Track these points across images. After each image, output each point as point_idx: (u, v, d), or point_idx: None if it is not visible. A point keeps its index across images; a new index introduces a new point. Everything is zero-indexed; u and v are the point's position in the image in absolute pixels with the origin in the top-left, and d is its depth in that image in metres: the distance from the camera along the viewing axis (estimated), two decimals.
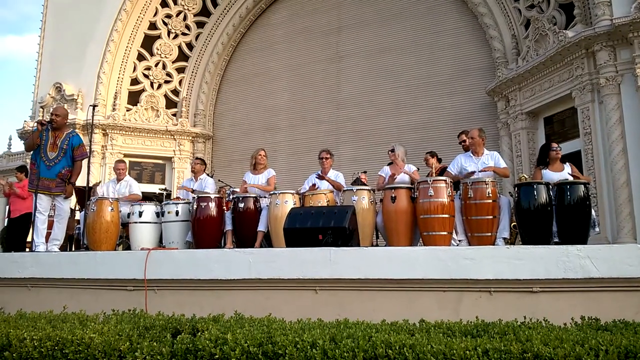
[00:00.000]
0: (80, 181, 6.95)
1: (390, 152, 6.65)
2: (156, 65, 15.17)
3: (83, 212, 7.30)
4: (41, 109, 14.68)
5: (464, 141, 6.87)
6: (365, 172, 8.79)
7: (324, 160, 6.82)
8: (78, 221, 7.92)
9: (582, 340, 2.59)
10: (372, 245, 6.04)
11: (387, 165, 6.72)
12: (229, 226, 6.50)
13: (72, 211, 7.98)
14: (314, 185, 6.63)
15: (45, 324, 3.36)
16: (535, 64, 10.24)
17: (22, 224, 8.16)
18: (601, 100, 9.10)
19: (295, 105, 14.22)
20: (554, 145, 6.09)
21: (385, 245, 5.90)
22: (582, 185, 5.20)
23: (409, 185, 5.83)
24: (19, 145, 19.09)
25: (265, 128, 14.54)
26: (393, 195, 5.65)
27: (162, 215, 6.65)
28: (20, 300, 5.30)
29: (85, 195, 6.94)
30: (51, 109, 7.12)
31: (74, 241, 7.89)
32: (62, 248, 6.98)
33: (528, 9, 11.10)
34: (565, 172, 5.82)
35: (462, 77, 12.20)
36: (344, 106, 13.53)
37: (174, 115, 15.20)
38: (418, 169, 6.79)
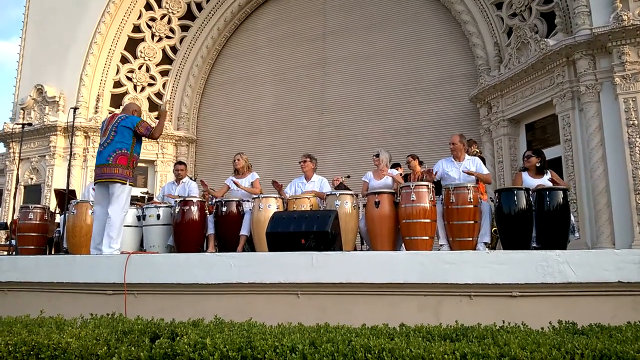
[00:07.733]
0: (61, 184, 6.85)
1: (374, 157, 6.68)
2: (139, 68, 15.05)
3: (63, 216, 7.21)
4: (22, 111, 14.46)
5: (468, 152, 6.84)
6: (348, 176, 8.82)
7: (301, 164, 6.89)
8: (58, 224, 7.81)
9: (559, 344, 2.61)
10: (355, 250, 6.05)
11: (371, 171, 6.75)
12: (211, 230, 6.47)
13: (52, 214, 7.88)
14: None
15: (21, 328, 3.30)
16: (517, 72, 10.38)
17: None
18: (581, 108, 9.25)
19: (279, 110, 14.21)
20: (527, 152, 6.18)
21: (368, 250, 5.91)
22: (562, 191, 5.27)
23: (392, 190, 5.87)
24: None
25: (249, 132, 14.49)
26: (377, 200, 5.68)
27: (143, 219, 6.59)
28: None
29: (65, 198, 6.84)
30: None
31: (53, 244, 7.77)
32: (42, 252, 6.88)
33: (510, 17, 11.26)
34: (545, 179, 5.89)
35: (445, 84, 12.31)
36: (328, 111, 13.55)
37: (157, 118, 15.04)
38: (402, 174, 6.82)
